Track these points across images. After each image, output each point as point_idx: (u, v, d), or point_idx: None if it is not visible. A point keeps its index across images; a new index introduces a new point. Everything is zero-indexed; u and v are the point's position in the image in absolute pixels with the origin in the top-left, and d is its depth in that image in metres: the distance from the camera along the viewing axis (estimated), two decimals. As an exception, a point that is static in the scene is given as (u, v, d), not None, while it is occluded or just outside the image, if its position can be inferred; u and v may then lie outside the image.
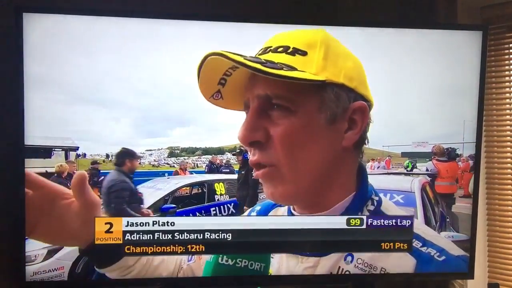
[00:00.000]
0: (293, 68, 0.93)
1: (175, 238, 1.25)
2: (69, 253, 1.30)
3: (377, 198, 1.10)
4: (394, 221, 1.24)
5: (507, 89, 1.78)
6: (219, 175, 1.49)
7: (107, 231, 1.20)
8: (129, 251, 1.22)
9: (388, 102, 1.29)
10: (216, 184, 1.53)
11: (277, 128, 0.96)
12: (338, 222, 1.21)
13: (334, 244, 1.26)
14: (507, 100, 1.78)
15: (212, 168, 1.45)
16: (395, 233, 1.24)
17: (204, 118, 1.27)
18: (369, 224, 1.23)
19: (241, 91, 1.00)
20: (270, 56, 0.96)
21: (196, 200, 1.50)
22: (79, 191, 0.96)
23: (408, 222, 1.25)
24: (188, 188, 1.54)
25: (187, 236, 1.25)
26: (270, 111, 0.97)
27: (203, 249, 1.25)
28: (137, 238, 1.23)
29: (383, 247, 1.27)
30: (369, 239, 1.25)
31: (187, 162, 1.41)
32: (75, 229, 0.99)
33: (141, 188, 1.37)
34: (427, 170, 1.46)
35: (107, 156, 1.30)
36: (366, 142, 1.05)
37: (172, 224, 1.25)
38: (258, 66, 0.91)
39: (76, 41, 1.23)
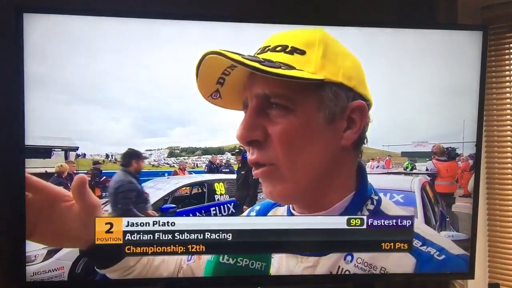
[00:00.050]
0: (291, 67, 0.93)
1: (176, 238, 1.25)
2: (69, 253, 1.30)
3: (376, 198, 1.10)
4: (394, 221, 1.24)
5: (508, 89, 1.78)
6: (219, 175, 1.49)
7: (107, 231, 1.20)
8: (129, 251, 1.22)
9: (388, 102, 1.29)
10: (216, 184, 1.53)
11: (275, 127, 0.96)
12: (338, 222, 1.21)
13: (334, 244, 1.26)
14: (508, 100, 1.78)
15: (212, 168, 1.45)
16: (396, 233, 1.24)
17: (204, 118, 1.27)
18: (369, 224, 1.23)
19: (240, 90, 1.00)
20: (268, 55, 0.96)
21: (196, 200, 1.51)
22: (79, 195, 0.96)
23: (409, 222, 1.25)
24: (188, 188, 1.54)
25: (187, 236, 1.25)
26: (269, 110, 0.97)
27: (204, 249, 1.25)
28: (138, 238, 1.23)
29: (383, 247, 1.27)
30: (369, 239, 1.25)
31: (186, 162, 1.41)
32: (76, 231, 0.99)
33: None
34: (427, 169, 1.45)
35: (107, 156, 1.30)
36: (365, 142, 1.05)
37: (173, 224, 1.25)
38: (256, 64, 0.91)
39: (76, 41, 1.23)
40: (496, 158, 1.80)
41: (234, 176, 1.47)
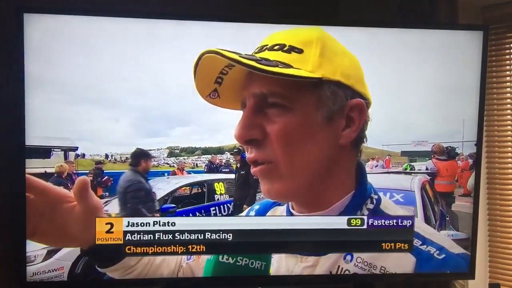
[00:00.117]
0: (288, 66, 0.93)
1: (176, 238, 1.25)
2: (69, 253, 1.30)
3: (376, 197, 1.10)
4: (394, 221, 1.24)
5: (508, 89, 1.79)
6: (218, 174, 1.49)
7: (108, 231, 1.20)
8: (129, 252, 1.22)
9: (388, 101, 1.29)
10: (216, 184, 1.52)
11: (273, 125, 0.96)
12: (338, 222, 1.21)
13: (335, 245, 1.26)
14: (508, 100, 1.78)
15: (212, 168, 1.45)
16: (396, 233, 1.24)
17: (204, 118, 1.27)
18: (369, 224, 1.23)
19: (238, 89, 1.00)
20: (266, 54, 0.96)
21: (196, 200, 1.50)
22: (81, 197, 0.97)
23: (409, 222, 1.25)
24: (188, 188, 1.54)
25: (187, 236, 1.25)
26: (266, 109, 0.97)
27: (204, 249, 1.25)
28: (138, 238, 1.23)
29: (383, 247, 1.27)
30: (369, 239, 1.25)
31: (185, 162, 1.41)
32: (77, 231, 1.00)
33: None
34: (426, 169, 1.45)
35: (107, 156, 1.30)
36: (365, 141, 1.05)
37: (173, 224, 1.25)
38: (253, 63, 0.91)
39: (76, 41, 1.23)
40: (497, 158, 1.80)
41: (233, 176, 1.47)
